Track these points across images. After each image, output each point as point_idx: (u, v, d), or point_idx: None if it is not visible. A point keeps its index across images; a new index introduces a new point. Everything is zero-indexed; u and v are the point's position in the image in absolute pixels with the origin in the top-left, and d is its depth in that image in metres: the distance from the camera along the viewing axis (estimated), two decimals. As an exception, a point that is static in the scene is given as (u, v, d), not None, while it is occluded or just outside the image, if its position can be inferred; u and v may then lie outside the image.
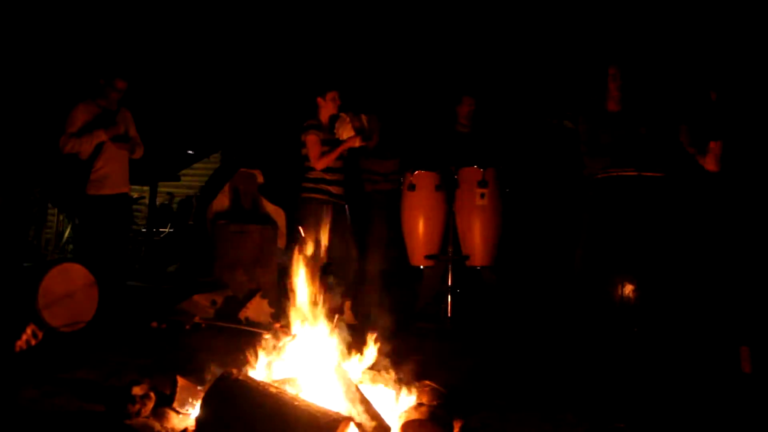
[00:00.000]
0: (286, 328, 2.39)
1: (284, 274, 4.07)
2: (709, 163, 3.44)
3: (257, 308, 4.36)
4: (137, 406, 2.15)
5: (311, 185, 4.65)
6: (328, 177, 4.64)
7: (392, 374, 2.40)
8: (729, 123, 3.37)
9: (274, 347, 2.36)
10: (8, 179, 6.40)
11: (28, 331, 2.18)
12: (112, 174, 4.42)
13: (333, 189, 4.66)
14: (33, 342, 2.20)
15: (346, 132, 4.57)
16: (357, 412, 1.96)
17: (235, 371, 2.00)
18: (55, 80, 6.32)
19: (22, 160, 6.45)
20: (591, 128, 4.06)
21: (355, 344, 2.47)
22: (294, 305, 2.44)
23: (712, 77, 3.56)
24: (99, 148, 4.35)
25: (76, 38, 6.62)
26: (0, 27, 5.95)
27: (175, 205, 9.68)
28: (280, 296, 4.66)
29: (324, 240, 4.58)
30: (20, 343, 2.16)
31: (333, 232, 4.63)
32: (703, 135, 3.44)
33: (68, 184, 4.50)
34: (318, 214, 4.58)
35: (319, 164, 4.58)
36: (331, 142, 4.60)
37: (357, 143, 4.57)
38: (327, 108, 4.66)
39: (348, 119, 4.56)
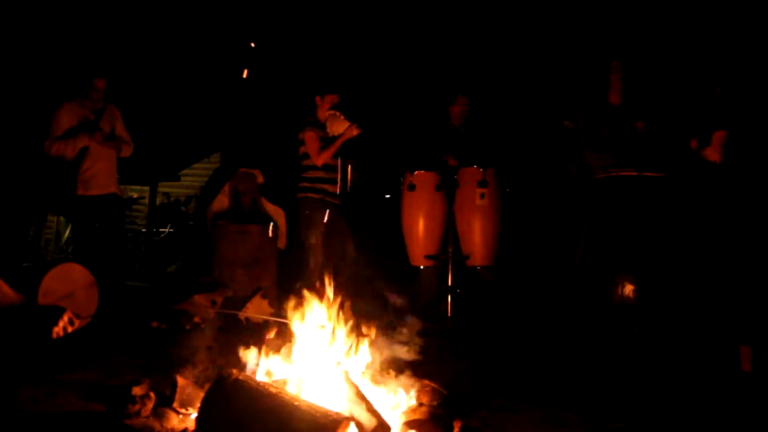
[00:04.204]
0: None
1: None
2: (712, 154, 3.41)
3: (257, 308, 4.35)
4: (137, 406, 2.14)
5: (308, 184, 4.65)
6: (324, 176, 4.64)
7: (392, 374, 2.40)
8: (733, 116, 3.36)
9: (275, 346, 2.36)
10: (8, 179, 6.39)
11: (65, 317, 2.16)
12: (99, 174, 4.39)
13: (329, 188, 4.66)
14: (69, 329, 2.18)
15: (340, 126, 4.56)
16: (357, 412, 1.96)
17: (235, 371, 2.00)
18: (53, 81, 6.32)
19: (23, 161, 6.45)
20: (591, 122, 4.05)
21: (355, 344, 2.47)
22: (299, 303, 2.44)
23: (717, 71, 3.55)
24: (85, 149, 4.31)
25: (75, 40, 6.61)
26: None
27: (187, 206, 9.63)
28: (281, 296, 4.66)
29: (321, 239, 4.60)
30: (57, 330, 2.14)
31: (330, 231, 4.64)
32: (707, 127, 3.42)
33: (58, 186, 4.48)
34: (315, 213, 4.58)
35: (320, 159, 4.58)
36: (327, 140, 4.61)
37: (354, 132, 4.55)
38: (324, 108, 4.66)
39: (339, 114, 4.56)
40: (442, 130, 5.00)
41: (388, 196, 5.35)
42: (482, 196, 4.54)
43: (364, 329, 2.43)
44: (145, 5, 7.09)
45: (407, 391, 2.31)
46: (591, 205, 3.97)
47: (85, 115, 4.37)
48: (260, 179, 5.57)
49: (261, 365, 2.31)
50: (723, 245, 3.30)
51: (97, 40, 6.71)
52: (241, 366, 2.29)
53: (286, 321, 2.43)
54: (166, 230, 9.24)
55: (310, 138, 4.58)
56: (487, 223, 4.57)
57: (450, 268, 4.58)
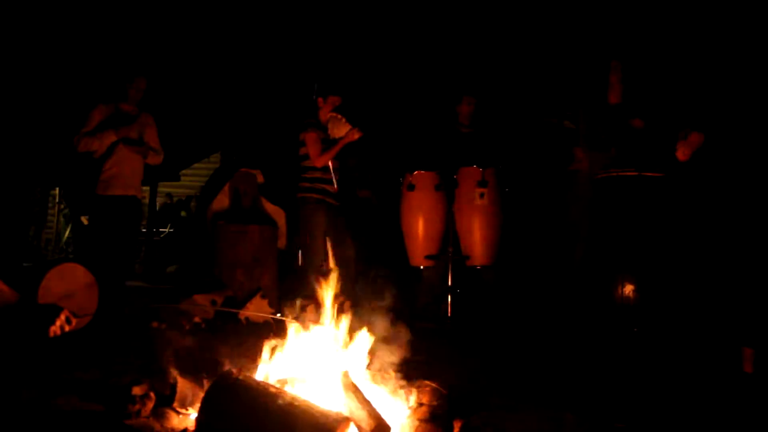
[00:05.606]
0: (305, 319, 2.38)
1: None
2: (681, 153, 3.43)
3: (257, 308, 4.35)
4: (137, 406, 2.14)
5: (308, 185, 4.65)
6: (323, 176, 4.64)
7: (392, 374, 2.40)
8: (721, 121, 3.37)
9: (275, 346, 2.36)
10: (9, 179, 6.40)
11: (62, 316, 2.15)
12: (120, 175, 4.42)
13: (329, 188, 4.67)
14: (67, 328, 2.17)
15: (342, 129, 4.56)
16: (357, 412, 1.96)
17: (235, 371, 2.00)
18: (65, 81, 6.33)
19: (24, 161, 6.45)
20: (591, 122, 4.06)
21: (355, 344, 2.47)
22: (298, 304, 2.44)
23: (718, 71, 3.55)
24: (111, 149, 4.37)
25: (77, 38, 6.61)
26: (9, 28, 5.95)
27: (188, 206, 9.64)
28: (281, 296, 4.67)
29: (322, 239, 4.60)
30: (54, 329, 2.14)
31: (330, 231, 4.64)
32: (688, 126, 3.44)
33: (81, 182, 4.53)
34: (315, 213, 4.58)
35: (320, 161, 4.58)
36: (328, 142, 4.61)
37: (356, 136, 4.55)
38: (326, 109, 4.66)
39: (341, 117, 4.56)
40: (449, 130, 5.00)
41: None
42: (482, 195, 4.53)
43: (363, 329, 2.43)
44: (145, 6, 7.10)
45: (407, 391, 2.31)
46: (591, 204, 3.97)
47: (117, 115, 4.43)
48: (260, 179, 5.57)
49: (261, 365, 2.32)
50: (724, 245, 3.30)
51: (102, 40, 6.71)
52: (241, 366, 2.28)
53: (286, 321, 2.43)
54: (166, 230, 9.26)
55: (311, 139, 4.58)
56: (487, 223, 4.56)
57: (450, 268, 4.58)
